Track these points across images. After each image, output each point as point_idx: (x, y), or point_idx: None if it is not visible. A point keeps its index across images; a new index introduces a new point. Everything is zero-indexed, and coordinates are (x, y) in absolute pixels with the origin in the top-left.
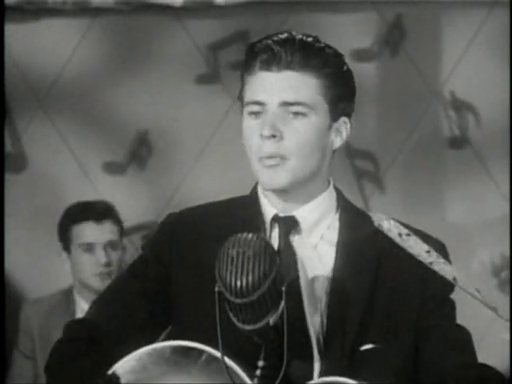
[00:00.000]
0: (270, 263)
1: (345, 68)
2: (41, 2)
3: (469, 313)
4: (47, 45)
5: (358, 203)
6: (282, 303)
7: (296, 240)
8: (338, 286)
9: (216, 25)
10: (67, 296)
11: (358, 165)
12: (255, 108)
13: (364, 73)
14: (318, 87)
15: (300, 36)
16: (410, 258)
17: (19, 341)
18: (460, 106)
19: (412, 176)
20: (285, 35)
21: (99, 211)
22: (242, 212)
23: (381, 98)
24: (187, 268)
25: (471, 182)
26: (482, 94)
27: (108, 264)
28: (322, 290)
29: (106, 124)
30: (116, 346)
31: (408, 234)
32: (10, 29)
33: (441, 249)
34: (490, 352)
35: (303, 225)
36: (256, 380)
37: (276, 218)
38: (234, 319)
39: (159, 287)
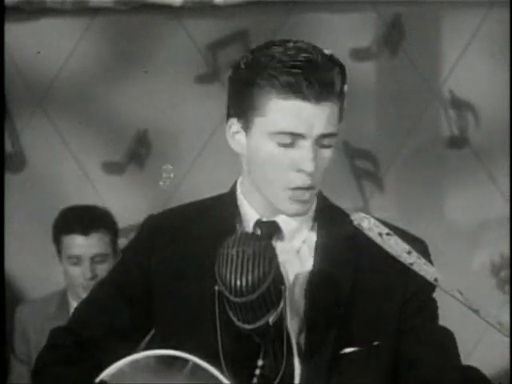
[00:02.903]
0: (269, 262)
1: (346, 73)
2: (40, 2)
3: (467, 313)
4: (46, 44)
5: (358, 203)
6: (282, 302)
7: (278, 245)
8: (317, 288)
9: (215, 24)
10: (62, 297)
11: (358, 164)
12: (287, 139)
13: (363, 72)
14: (340, 112)
15: (321, 56)
16: (391, 258)
17: (15, 345)
18: (459, 106)
19: (412, 176)
20: (302, 54)
21: (86, 223)
22: (220, 213)
23: (380, 97)
24: (167, 270)
25: (471, 182)
26: (481, 93)
27: (92, 278)
28: (301, 292)
29: (104, 123)
30: (99, 352)
31: (388, 234)
32: (10, 29)
33: (423, 249)
34: (489, 352)
35: (285, 230)
36: (255, 379)
37: (258, 223)
38: (234, 318)
39: (140, 291)
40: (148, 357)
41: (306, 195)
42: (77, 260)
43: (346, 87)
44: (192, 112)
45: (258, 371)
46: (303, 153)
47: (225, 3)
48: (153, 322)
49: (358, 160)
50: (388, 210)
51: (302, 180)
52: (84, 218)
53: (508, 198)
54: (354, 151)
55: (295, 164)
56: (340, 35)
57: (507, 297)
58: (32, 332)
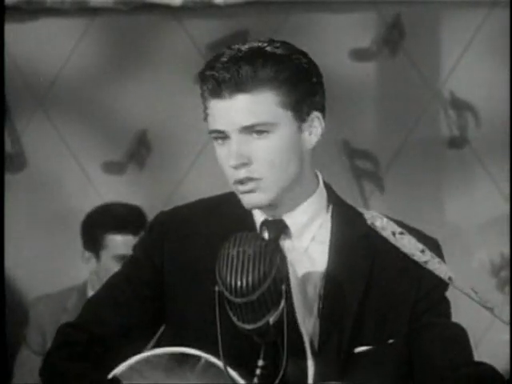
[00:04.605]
0: (270, 263)
1: (304, 63)
2: (39, 2)
3: (468, 313)
4: (46, 44)
5: (358, 203)
6: (282, 303)
7: (286, 244)
8: (331, 287)
9: (215, 24)
10: (80, 292)
11: (358, 164)
12: (218, 135)
13: (363, 72)
14: (275, 99)
15: (246, 47)
16: (404, 256)
17: (29, 337)
18: (460, 106)
19: (412, 176)
20: (228, 55)
21: (136, 223)
22: (232, 211)
23: (380, 97)
24: (179, 268)
25: (471, 182)
26: (481, 93)
27: None
28: (315, 292)
29: (105, 123)
30: (110, 349)
31: (402, 233)
32: (9, 29)
33: (435, 247)
34: (489, 352)
35: (293, 228)
36: (256, 379)
37: (266, 222)
38: (234, 318)
39: (151, 288)
40: (159, 354)
41: (248, 186)
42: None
43: (282, 73)
44: (192, 111)
45: (258, 371)
46: (228, 148)
47: (225, 3)
48: (163, 319)
49: (357, 160)
50: (388, 210)
51: (238, 173)
52: (132, 217)
53: (508, 197)
54: (354, 151)
55: (226, 160)
56: (340, 35)
57: (507, 297)
58: (48, 325)
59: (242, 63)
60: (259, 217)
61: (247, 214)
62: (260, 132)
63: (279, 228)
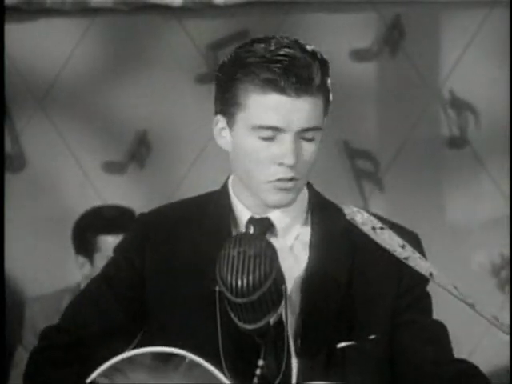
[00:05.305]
0: (270, 263)
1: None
2: (39, 3)
3: (468, 313)
4: (46, 45)
5: (358, 203)
6: (283, 303)
7: (272, 242)
8: (312, 284)
9: (215, 24)
10: (74, 294)
11: (358, 164)
12: (268, 133)
13: (363, 73)
14: (323, 107)
15: (301, 51)
16: (385, 251)
17: (24, 337)
18: (459, 106)
19: (411, 176)
20: (286, 50)
21: (127, 223)
22: (214, 211)
23: (380, 97)
24: (161, 268)
25: (471, 182)
26: (481, 93)
27: None
28: (297, 290)
29: (105, 123)
30: (92, 351)
31: (382, 228)
32: (10, 29)
33: (416, 242)
34: (489, 352)
35: (278, 226)
36: (256, 379)
37: (252, 220)
38: (235, 319)
39: (132, 290)
40: (143, 354)
41: (288, 185)
42: None
43: (329, 82)
44: (192, 112)
45: (258, 371)
46: (284, 146)
47: (225, 3)
48: (145, 320)
49: (357, 160)
50: (388, 209)
51: (284, 172)
52: (124, 218)
53: (508, 198)
54: (354, 151)
55: (276, 158)
56: (340, 35)
57: (507, 297)
58: (43, 326)
59: (312, 64)
60: (244, 215)
61: (229, 214)
62: (309, 136)
63: (265, 226)
